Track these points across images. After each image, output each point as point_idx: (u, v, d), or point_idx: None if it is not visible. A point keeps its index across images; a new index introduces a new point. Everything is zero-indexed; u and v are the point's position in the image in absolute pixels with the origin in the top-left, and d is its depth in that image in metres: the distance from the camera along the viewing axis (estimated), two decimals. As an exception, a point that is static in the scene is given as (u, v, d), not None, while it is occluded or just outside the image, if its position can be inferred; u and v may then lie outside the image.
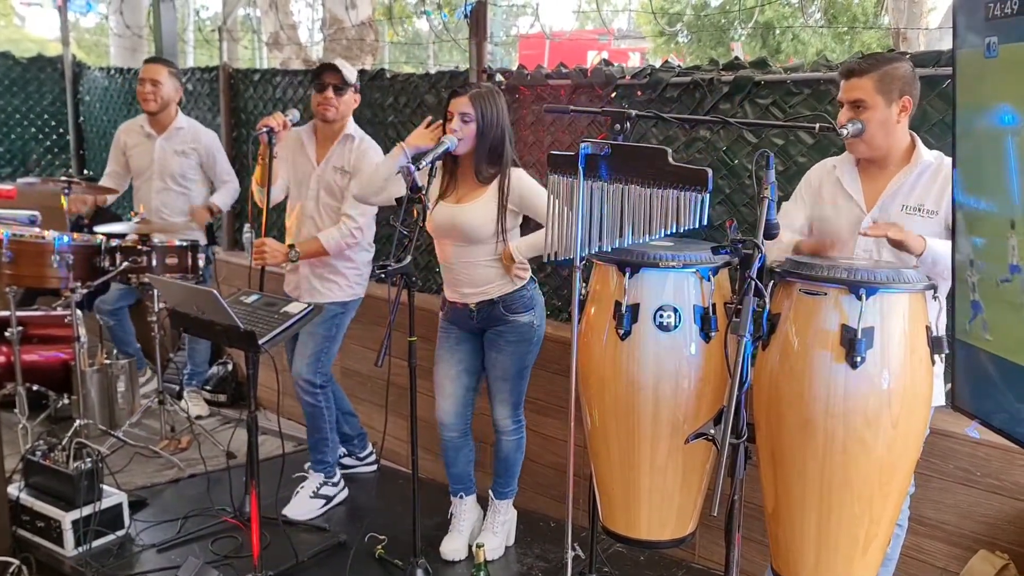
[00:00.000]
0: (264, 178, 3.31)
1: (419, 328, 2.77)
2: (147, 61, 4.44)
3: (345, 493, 3.66)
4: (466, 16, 3.93)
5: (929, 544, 2.68)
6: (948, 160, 2.34)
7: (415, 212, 2.64)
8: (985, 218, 1.84)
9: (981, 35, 1.75)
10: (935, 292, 2.06)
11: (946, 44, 2.13)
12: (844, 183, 2.47)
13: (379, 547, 3.17)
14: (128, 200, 4.72)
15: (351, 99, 3.40)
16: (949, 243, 2.10)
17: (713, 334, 2.20)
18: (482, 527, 3.28)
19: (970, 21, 1.79)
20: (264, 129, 3.24)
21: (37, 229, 3.94)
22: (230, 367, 4.85)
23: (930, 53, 2.74)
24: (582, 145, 2.16)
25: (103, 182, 4.52)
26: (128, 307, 4.57)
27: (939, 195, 2.33)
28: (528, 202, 2.92)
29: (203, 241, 4.24)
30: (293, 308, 2.76)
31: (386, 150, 3.48)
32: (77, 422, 3.91)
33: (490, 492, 3.25)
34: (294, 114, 3.34)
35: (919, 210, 2.35)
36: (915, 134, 2.41)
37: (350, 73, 3.37)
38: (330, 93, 3.32)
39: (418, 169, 2.65)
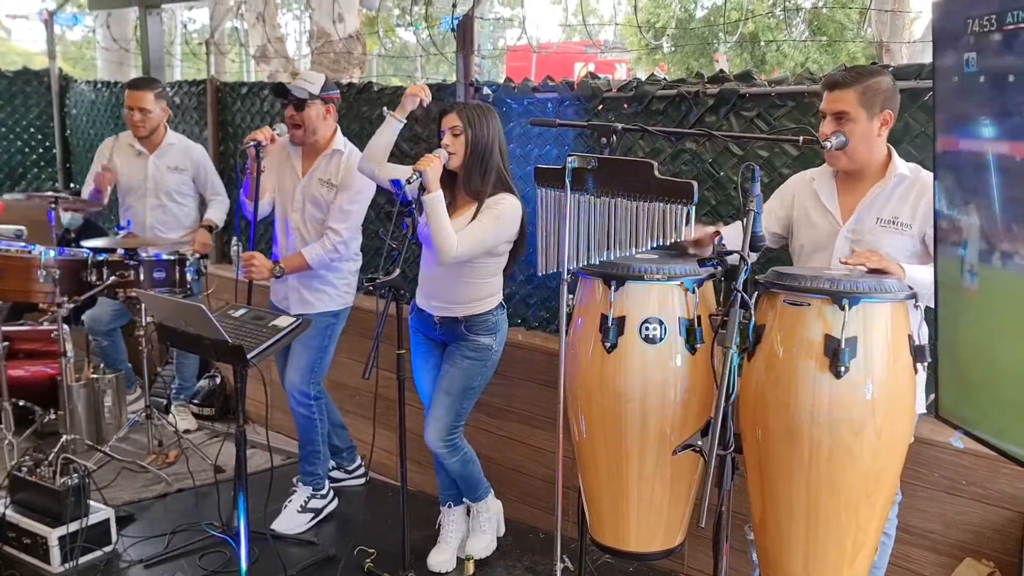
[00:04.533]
0: (252, 192, 3.31)
1: (407, 340, 2.77)
2: (130, 86, 4.34)
3: (334, 504, 3.65)
4: (453, 29, 3.95)
5: (915, 552, 2.70)
6: (924, 173, 2.36)
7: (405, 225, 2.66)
8: (966, 231, 1.86)
9: (960, 50, 1.77)
10: (916, 301, 2.08)
11: (928, 56, 2.16)
12: (822, 196, 2.49)
13: (368, 560, 3.17)
14: (114, 214, 4.70)
15: (316, 111, 3.36)
16: (930, 267, 2.09)
17: (699, 346, 2.22)
18: (469, 532, 3.29)
19: (949, 36, 1.81)
20: (252, 143, 3.24)
21: (23, 244, 3.92)
22: (218, 380, 4.83)
23: (912, 66, 2.77)
24: (569, 159, 2.18)
25: (83, 192, 4.49)
26: (120, 328, 4.55)
27: (913, 208, 2.34)
28: (481, 215, 2.89)
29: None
30: (282, 322, 2.76)
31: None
32: (64, 437, 3.89)
33: (464, 500, 3.28)
34: (282, 128, 3.34)
35: (893, 223, 2.36)
36: (892, 147, 2.43)
37: (306, 86, 3.33)
38: (291, 110, 3.33)
39: (408, 183, 2.66)
